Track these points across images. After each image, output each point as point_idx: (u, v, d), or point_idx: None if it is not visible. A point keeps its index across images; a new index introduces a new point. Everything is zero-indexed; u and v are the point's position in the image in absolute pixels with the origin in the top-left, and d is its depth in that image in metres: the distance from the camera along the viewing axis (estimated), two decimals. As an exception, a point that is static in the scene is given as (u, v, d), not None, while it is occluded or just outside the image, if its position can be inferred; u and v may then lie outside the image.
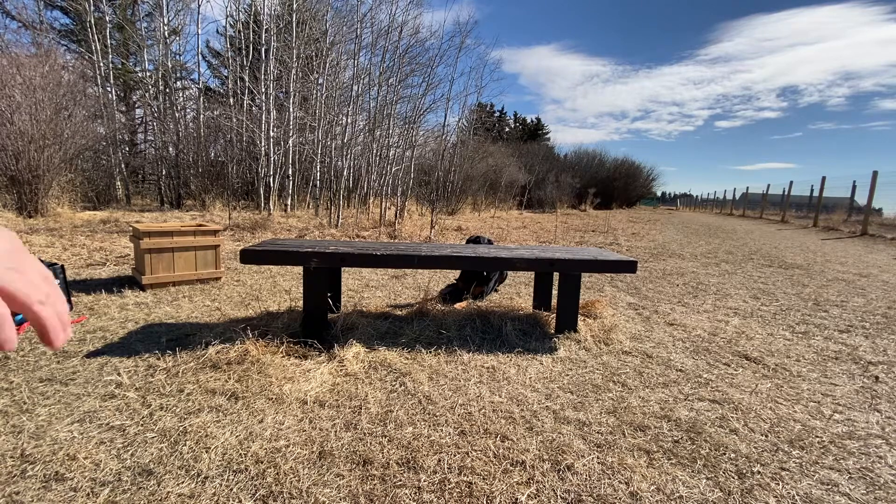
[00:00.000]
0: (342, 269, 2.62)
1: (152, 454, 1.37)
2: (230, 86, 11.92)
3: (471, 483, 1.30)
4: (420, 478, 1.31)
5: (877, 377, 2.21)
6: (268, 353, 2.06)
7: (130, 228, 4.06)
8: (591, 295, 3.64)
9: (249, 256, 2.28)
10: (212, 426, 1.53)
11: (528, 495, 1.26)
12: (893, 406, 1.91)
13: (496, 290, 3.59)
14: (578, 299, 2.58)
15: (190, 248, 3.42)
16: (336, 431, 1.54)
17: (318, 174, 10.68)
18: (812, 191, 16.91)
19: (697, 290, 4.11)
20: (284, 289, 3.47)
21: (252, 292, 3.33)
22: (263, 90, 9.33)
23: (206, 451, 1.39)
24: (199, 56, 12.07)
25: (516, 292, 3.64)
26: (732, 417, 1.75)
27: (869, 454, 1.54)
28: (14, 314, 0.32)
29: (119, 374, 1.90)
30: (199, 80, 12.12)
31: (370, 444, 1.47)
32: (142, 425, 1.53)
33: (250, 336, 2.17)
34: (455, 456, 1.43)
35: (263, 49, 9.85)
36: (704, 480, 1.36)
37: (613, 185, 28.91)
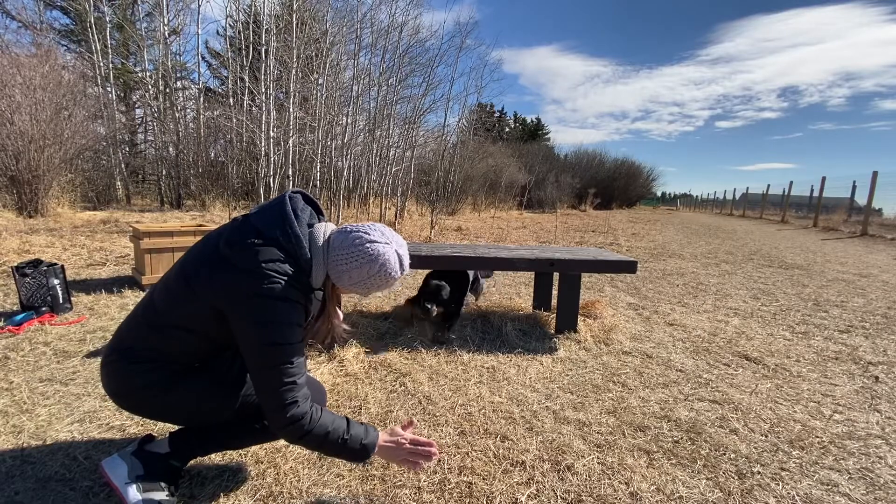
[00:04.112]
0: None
1: (152, 454, 1.37)
2: (230, 86, 11.92)
3: (471, 483, 1.30)
4: (420, 478, 1.31)
5: (877, 377, 2.21)
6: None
7: (130, 228, 4.07)
8: (591, 295, 3.64)
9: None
10: (212, 426, 1.53)
11: (528, 495, 1.26)
12: (893, 406, 1.91)
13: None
14: (578, 299, 2.58)
15: (190, 248, 3.42)
16: (336, 431, 1.54)
17: (318, 174, 10.68)
18: (812, 191, 16.92)
19: (697, 290, 4.11)
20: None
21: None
22: (263, 90, 9.33)
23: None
24: (199, 56, 12.08)
25: (516, 292, 3.64)
26: (732, 418, 1.75)
27: (869, 454, 1.54)
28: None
29: (119, 374, 1.90)
30: (199, 80, 12.13)
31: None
32: (142, 425, 1.52)
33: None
34: (455, 456, 1.43)
35: (263, 49, 9.84)
36: (704, 481, 1.36)
37: (613, 185, 28.90)
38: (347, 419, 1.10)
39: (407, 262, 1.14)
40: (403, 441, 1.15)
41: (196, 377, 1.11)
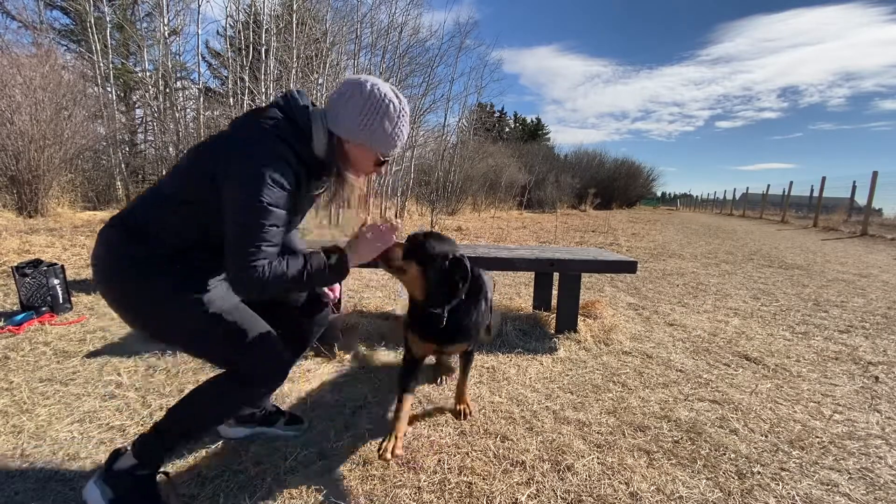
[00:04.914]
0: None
1: (152, 454, 1.37)
2: (230, 86, 11.90)
3: (471, 483, 1.30)
4: (420, 478, 1.31)
5: (877, 377, 2.21)
6: (268, 354, 2.06)
7: (130, 228, 4.06)
8: (591, 295, 3.64)
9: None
10: (212, 426, 1.53)
11: (528, 495, 1.26)
12: (893, 406, 1.91)
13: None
14: (578, 299, 2.58)
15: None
16: (336, 431, 1.54)
17: (318, 174, 10.66)
18: (812, 191, 16.92)
19: (697, 290, 4.11)
20: (284, 289, 3.46)
21: (252, 292, 3.32)
22: (263, 90, 9.33)
23: (206, 452, 1.39)
24: (199, 56, 12.07)
25: (516, 292, 3.64)
26: (732, 418, 1.75)
27: (869, 454, 1.54)
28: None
29: (119, 374, 1.90)
30: (199, 80, 12.12)
31: (370, 444, 1.47)
32: (142, 425, 1.53)
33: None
34: (455, 456, 1.43)
35: (263, 49, 9.84)
36: (704, 481, 1.36)
37: (613, 185, 28.90)
38: (305, 256, 1.11)
39: (402, 95, 1.18)
40: (365, 235, 1.20)
41: (181, 264, 1.11)
